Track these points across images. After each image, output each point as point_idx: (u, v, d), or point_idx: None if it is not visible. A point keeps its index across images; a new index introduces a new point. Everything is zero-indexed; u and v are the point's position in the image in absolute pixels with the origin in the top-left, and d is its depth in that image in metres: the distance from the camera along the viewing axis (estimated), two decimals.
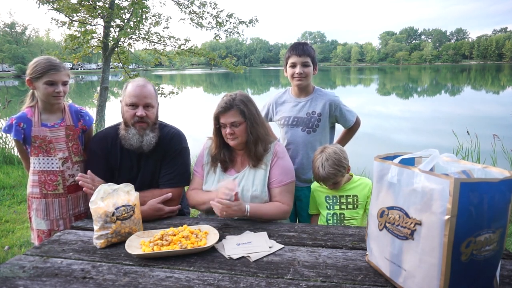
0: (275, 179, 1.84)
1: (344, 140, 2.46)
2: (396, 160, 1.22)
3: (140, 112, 1.81)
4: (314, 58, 2.23)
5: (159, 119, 2.00)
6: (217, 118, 1.84)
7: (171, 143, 1.94)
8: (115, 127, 1.96)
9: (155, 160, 1.93)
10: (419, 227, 1.04)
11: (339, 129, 2.48)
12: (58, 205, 1.96)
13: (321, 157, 1.89)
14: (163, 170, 1.94)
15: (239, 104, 1.79)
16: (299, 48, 2.19)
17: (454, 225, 0.95)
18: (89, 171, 1.82)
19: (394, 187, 1.15)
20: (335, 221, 1.97)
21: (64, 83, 1.90)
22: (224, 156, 1.89)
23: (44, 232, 1.97)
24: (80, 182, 1.77)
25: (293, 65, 2.21)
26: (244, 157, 1.90)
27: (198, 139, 2.07)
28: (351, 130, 2.42)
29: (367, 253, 1.33)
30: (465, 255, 0.98)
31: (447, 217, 0.95)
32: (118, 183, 1.61)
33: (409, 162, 1.24)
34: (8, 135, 1.93)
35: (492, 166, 1.11)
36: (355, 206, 1.94)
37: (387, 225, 1.17)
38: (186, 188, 2.05)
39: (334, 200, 1.95)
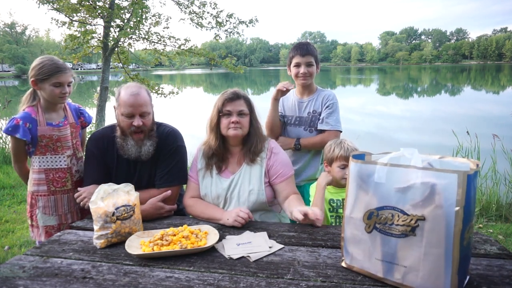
0: (278, 174, 1.85)
1: (310, 143, 2.26)
2: (376, 159, 1.23)
3: (137, 122, 1.81)
4: (317, 58, 2.28)
5: (155, 119, 1.99)
6: (221, 107, 1.81)
7: (166, 141, 1.94)
8: (111, 128, 1.96)
9: (152, 160, 1.93)
10: (422, 222, 1.06)
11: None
12: (67, 200, 2.02)
13: (339, 140, 1.94)
14: (159, 169, 1.94)
15: (246, 96, 1.87)
16: (303, 48, 2.23)
17: (462, 215, 1.01)
18: (79, 188, 1.89)
19: (383, 187, 1.14)
20: (337, 224, 1.96)
21: (69, 84, 1.95)
22: (220, 150, 1.86)
23: (53, 228, 2.01)
24: (79, 201, 1.84)
25: (297, 65, 2.25)
26: (240, 154, 1.90)
27: (199, 138, 2.07)
28: (322, 135, 2.25)
29: (342, 258, 1.30)
30: (466, 240, 1.06)
31: (457, 208, 1.00)
32: (115, 183, 1.61)
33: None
34: (7, 135, 1.93)
35: (449, 156, 1.19)
36: None
37: (378, 226, 1.16)
38: (184, 186, 2.05)
39: (338, 204, 1.94)
